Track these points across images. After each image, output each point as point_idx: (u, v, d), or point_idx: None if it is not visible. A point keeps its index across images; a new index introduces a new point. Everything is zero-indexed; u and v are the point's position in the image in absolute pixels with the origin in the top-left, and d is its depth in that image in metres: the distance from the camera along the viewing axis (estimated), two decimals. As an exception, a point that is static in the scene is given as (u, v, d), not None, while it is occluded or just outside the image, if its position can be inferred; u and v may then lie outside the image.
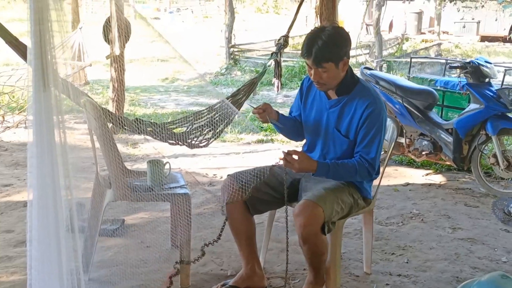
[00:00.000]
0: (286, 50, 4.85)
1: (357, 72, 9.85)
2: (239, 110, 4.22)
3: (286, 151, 2.65)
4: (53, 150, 1.96)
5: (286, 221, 2.74)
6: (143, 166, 5.25)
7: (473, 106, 4.85)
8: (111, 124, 3.02)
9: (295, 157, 2.62)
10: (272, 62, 4.52)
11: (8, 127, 6.59)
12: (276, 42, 4.59)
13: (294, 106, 3.06)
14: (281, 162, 2.65)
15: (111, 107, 6.96)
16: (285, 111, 9.36)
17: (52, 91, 1.93)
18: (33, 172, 1.96)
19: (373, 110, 2.67)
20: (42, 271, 2.03)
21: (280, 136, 6.30)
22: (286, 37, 4.45)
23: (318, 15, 5.54)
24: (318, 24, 5.57)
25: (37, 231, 1.99)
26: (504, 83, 5.20)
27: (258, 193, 2.86)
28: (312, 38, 2.63)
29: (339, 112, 2.77)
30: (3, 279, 3.11)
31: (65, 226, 2.04)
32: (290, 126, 2.98)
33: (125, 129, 3.06)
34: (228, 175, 2.95)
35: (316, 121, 2.87)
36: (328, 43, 2.59)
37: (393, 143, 3.22)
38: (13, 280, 3.06)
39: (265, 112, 2.83)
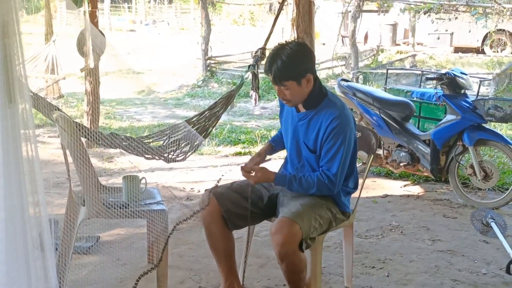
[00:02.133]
0: (263, 62, 4.83)
1: (334, 83, 9.88)
2: (216, 122, 4.18)
3: (242, 166, 2.75)
4: (21, 166, 1.88)
5: (247, 242, 2.70)
6: (118, 180, 5.16)
7: (449, 117, 4.87)
8: (85, 139, 2.94)
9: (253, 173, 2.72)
10: (249, 75, 4.49)
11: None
12: (254, 54, 4.56)
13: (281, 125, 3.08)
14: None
15: (86, 121, 6.86)
16: (262, 123, 9.36)
17: (18, 106, 1.85)
18: (0, 192, 1.88)
19: (338, 124, 2.64)
20: (11, 294, 1.95)
21: (258, 149, 6.27)
22: (263, 50, 4.43)
23: (295, 27, 5.55)
24: (294, 36, 5.57)
25: (5, 253, 1.91)
26: (479, 94, 5.25)
27: (237, 208, 2.82)
28: (273, 57, 2.63)
29: (307, 126, 2.75)
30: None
31: (34, 245, 1.95)
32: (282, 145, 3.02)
33: (100, 144, 2.99)
34: (206, 190, 2.90)
35: (289, 134, 2.86)
36: (286, 62, 2.58)
37: (372, 156, 3.20)
38: (-17, 302, 2.95)
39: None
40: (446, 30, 17.43)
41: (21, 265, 1.94)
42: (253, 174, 2.71)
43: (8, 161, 1.86)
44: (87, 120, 6.84)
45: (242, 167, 2.74)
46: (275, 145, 3.06)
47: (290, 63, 2.58)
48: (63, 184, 5.01)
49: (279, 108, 3.02)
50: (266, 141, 3.15)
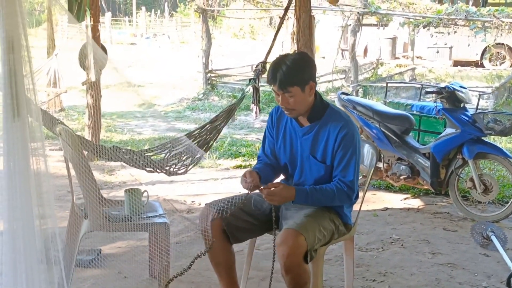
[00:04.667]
0: (264, 75, 4.88)
1: (334, 97, 9.91)
2: (218, 136, 4.21)
3: (263, 187, 2.65)
4: (26, 179, 1.90)
5: (274, 249, 2.70)
6: (119, 193, 5.17)
7: (449, 130, 4.90)
8: (87, 152, 2.96)
9: (273, 189, 2.62)
10: (250, 88, 4.53)
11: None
12: (254, 68, 4.61)
13: (264, 144, 2.99)
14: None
15: (87, 134, 6.88)
16: (262, 136, 9.35)
17: (24, 120, 1.87)
18: (4, 204, 1.89)
19: (346, 132, 2.67)
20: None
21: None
22: (264, 63, 4.47)
23: (295, 41, 5.60)
24: (295, 49, 5.62)
25: (8, 265, 1.92)
26: (478, 108, 5.28)
27: (237, 221, 2.82)
28: (276, 65, 2.65)
29: (313, 139, 2.76)
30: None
31: (39, 258, 1.96)
32: (265, 179, 2.85)
33: (102, 157, 3.01)
34: (206, 204, 2.91)
35: (290, 150, 2.85)
36: (291, 67, 2.61)
37: (372, 169, 3.21)
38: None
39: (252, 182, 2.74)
40: (445, 44, 17.49)
41: (23, 277, 1.95)
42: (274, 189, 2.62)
43: (13, 175, 1.88)
44: (89, 133, 6.86)
45: (262, 189, 2.64)
46: (262, 175, 2.86)
47: (295, 69, 2.61)
48: (65, 197, 5.02)
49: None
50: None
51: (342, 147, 2.68)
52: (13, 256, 1.93)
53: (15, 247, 1.93)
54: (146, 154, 3.50)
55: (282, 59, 2.66)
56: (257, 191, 2.71)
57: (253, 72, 4.74)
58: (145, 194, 3.02)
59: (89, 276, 3.46)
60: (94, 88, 6.65)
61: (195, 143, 3.97)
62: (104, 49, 6.92)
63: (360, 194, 2.99)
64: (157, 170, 3.48)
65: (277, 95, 2.70)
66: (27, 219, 1.91)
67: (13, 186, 1.88)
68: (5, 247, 1.92)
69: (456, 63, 18.08)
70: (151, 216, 2.95)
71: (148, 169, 3.43)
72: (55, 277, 2.01)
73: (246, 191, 2.78)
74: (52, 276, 2.01)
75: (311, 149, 2.77)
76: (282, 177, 2.98)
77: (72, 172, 2.91)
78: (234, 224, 2.80)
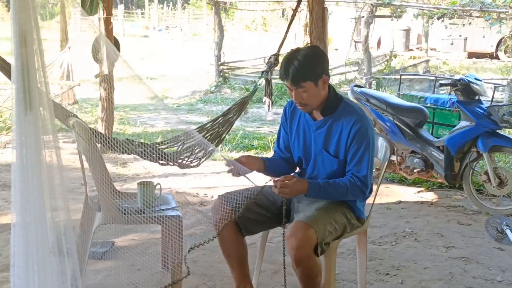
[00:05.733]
0: (276, 68, 4.86)
1: (347, 89, 9.86)
2: (230, 128, 4.20)
3: (276, 180, 2.63)
4: (39, 172, 1.90)
5: (283, 245, 2.70)
6: (132, 186, 5.19)
7: (463, 123, 4.85)
8: (100, 144, 2.97)
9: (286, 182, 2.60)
10: (262, 81, 4.51)
11: (-4, 147, 6.52)
12: (267, 61, 4.59)
13: (279, 138, 3.00)
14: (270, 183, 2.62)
15: (100, 126, 6.91)
16: (275, 129, 9.38)
17: (37, 113, 1.88)
18: (17, 197, 1.90)
19: (360, 127, 2.66)
20: (25, 298, 1.97)
21: (271, 154, 6.29)
22: (277, 56, 4.45)
23: (308, 33, 5.57)
24: (307, 41, 5.59)
25: (20, 257, 1.93)
26: (493, 100, 5.22)
27: (250, 214, 2.82)
28: (288, 60, 2.64)
29: (326, 133, 2.74)
30: (-11, 305, 3.04)
31: (52, 250, 1.97)
32: (276, 170, 2.87)
33: (115, 150, 3.02)
34: (219, 196, 2.91)
35: (304, 144, 2.84)
36: (303, 63, 2.59)
37: (386, 162, 3.19)
38: (0, 306, 2.99)
39: (240, 166, 2.72)
40: (460, 36, 17.36)
41: (36, 268, 1.95)
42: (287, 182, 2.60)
43: (26, 167, 1.88)
44: (102, 126, 6.89)
45: (275, 181, 2.62)
46: (268, 164, 2.90)
47: (307, 63, 2.59)
48: (78, 189, 5.04)
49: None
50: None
51: (356, 141, 2.66)
52: (25, 248, 1.94)
53: (28, 239, 1.94)
54: (159, 147, 3.50)
55: (294, 54, 2.64)
56: (270, 183, 2.69)
57: (266, 64, 4.72)
58: (158, 187, 3.02)
59: (103, 268, 3.48)
60: (107, 81, 6.67)
61: (207, 136, 3.97)
62: (117, 42, 6.94)
63: (374, 187, 2.97)
64: (170, 162, 3.48)
65: (290, 90, 2.68)
66: (39, 211, 1.92)
67: (26, 179, 1.88)
68: (18, 240, 1.93)
69: (471, 55, 17.93)
70: (164, 209, 2.96)
71: (161, 161, 3.43)
72: (67, 268, 2.02)
73: (258, 184, 2.78)
74: (64, 268, 2.02)
75: (324, 143, 2.75)
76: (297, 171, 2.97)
77: (86, 165, 2.92)
78: (246, 216, 2.80)
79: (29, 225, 1.93)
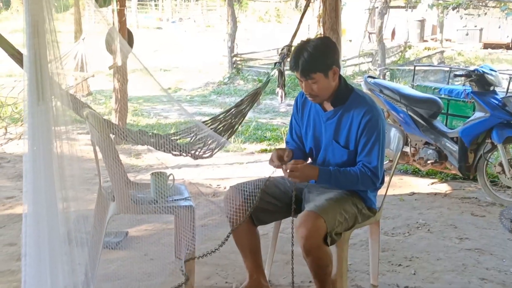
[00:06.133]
0: (289, 59, 4.85)
1: (360, 80, 9.83)
2: (243, 120, 4.21)
3: (287, 164, 2.64)
4: (49, 162, 1.92)
5: (292, 234, 2.71)
6: (146, 177, 5.22)
7: (478, 114, 4.81)
8: (114, 135, 2.99)
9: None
10: (275, 72, 4.50)
11: (11, 138, 6.58)
12: (280, 52, 4.58)
13: (291, 129, 3.00)
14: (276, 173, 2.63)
15: (114, 118, 6.95)
16: (287, 120, 9.35)
17: (48, 104, 1.89)
18: (28, 187, 1.92)
19: (370, 117, 2.64)
20: (37, 287, 1.99)
21: (283, 146, 6.30)
22: (289, 47, 4.44)
23: (321, 24, 5.53)
24: (321, 32, 5.56)
25: (32, 246, 1.95)
26: (509, 91, 5.16)
27: (262, 203, 2.82)
28: (298, 51, 2.62)
29: (337, 124, 2.74)
30: (5, 293, 3.08)
31: (62, 240, 2.00)
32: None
33: (128, 140, 3.04)
34: (231, 186, 2.92)
35: (314, 135, 2.84)
36: (313, 54, 2.58)
37: (399, 153, 3.18)
38: (16, 294, 3.03)
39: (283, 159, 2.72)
40: (475, 26, 17.18)
41: (47, 258, 1.98)
42: (296, 172, 2.61)
43: (37, 158, 1.90)
44: (115, 117, 6.93)
45: (285, 165, 2.64)
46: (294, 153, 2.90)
47: (317, 55, 2.58)
48: (92, 180, 5.08)
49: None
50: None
51: (366, 132, 2.65)
52: (37, 238, 1.96)
53: (39, 229, 1.96)
54: (172, 138, 3.52)
55: (303, 45, 2.63)
56: (275, 174, 2.70)
57: (279, 55, 4.71)
58: (171, 177, 3.04)
59: (116, 258, 3.51)
60: (120, 72, 6.70)
61: (220, 127, 3.98)
62: (130, 34, 6.96)
63: (386, 178, 2.97)
64: (183, 153, 3.50)
65: (301, 81, 2.68)
66: (50, 202, 1.94)
67: (37, 170, 1.90)
68: (29, 229, 1.95)
69: (486, 46, 17.75)
70: (177, 199, 2.97)
71: (174, 152, 3.45)
72: (79, 258, 2.04)
73: (270, 171, 2.78)
74: (75, 257, 2.04)
75: (334, 134, 2.75)
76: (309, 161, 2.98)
77: (99, 156, 2.94)
78: (258, 206, 2.81)
79: (40, 215, 1.95)
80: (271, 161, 2.75)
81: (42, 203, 1.95)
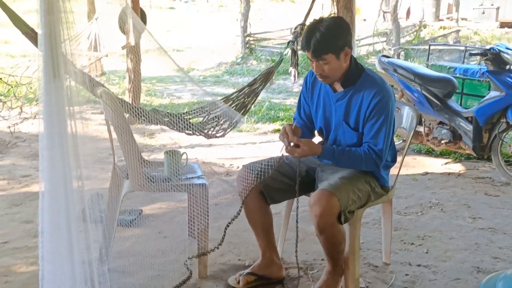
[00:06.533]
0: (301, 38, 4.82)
1: (374, 60, 9.75)
2: (255, 99, 4.21)
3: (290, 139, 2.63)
4: (64, 141, 1.94)
5: (297, 213, 2.73)
6: (160, 156, 5.26)
7: (493, 93, 4.76)
8: (128, 115, 3.01)
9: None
10: (288, 51, 4.48)
11: (26, 118, 6.64)
12: (293, 30, 4.55)
13: (300, 107, 2.97)
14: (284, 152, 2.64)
15: (127, 98, 6.99)
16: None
17: (63, 82, 1.91)
18: (44, 164, 1.95)
19: (380, 98, 2.61)
20: (54, 262, 2.04)
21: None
22: (302, 26, 4.41)
23: (335, 3, 5.49)
24: (335, 11, 5.52)
25: (49, 223, 1.99)
26: (525, 70, 5.09)
27: (274, 182, 2.84)
28: (311, 31, 2.58)
29: (346, 105, 2.72)
30: (22, 269, 3.14)
31: (78, 217, 2.03)
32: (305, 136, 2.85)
33: (142, 119, 3.06)
34: (243, 165, 2.93)
35: (324, 115, 2.82)
36: (326, 34, 2.54)
37: (412, 132, 3.16)
38: (33, 270, 3.08)
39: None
40: (492, 5, 16.91)
41: (63, 234, 2.01)
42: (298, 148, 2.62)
43: (52, 135, 1.92)
44: (129, 97, 6.96)
45: (287, 140, 2.63)
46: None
47: (330, 35, 2.55)
48: (106, 159, 5.13)
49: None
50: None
51: (375, 113, 2.62)
52: (53, 215, 2.00)
53: (56, 207, 1.99)
54: (185, 117, 3.54)
55: (316, 25, 2.59)
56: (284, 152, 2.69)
57: (292, 34, 4.69)
58: (184, 156, 3.06)
59: (130, 236, 3.56)
60: (134, 52, 6.71)
61: (233, 106, 3.99)
62: (143, 13, 6.95)
63: (399, 158, 2.96)
64: (196, 133, 3.52)
65: (311, 61, 2.65)
66: (65, 180, 1.97)
67: (53, 147, 1.93)
68: (46, 206, 1.99)
69: (503, 25, 17.47)
70: (190, 177, 3.00)
71: (187, 131, 3.47)
72: (94, 235, 2.07)
73: (280, 148, 2.78)
74: (90, 235, 2.08)
75: (344, 116, 2.73)
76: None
77: (114, 135, 2.97)
78: (270, 185, 2.83)
79: (56, 193, 1.98)
80: (282, 135, 2.68)
81: (59, 181, 1.97)
